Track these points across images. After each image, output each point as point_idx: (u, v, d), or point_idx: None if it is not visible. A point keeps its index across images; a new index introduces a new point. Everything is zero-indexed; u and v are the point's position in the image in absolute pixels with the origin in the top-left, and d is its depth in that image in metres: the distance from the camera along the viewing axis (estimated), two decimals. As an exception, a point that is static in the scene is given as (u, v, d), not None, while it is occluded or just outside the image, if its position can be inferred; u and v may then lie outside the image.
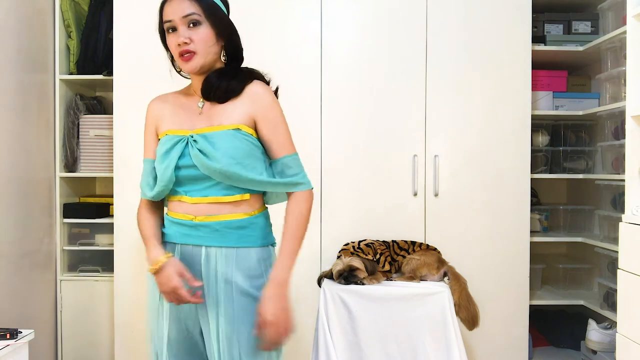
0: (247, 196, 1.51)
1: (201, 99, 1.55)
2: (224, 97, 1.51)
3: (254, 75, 1.56)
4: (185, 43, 1.47)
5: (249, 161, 1.48)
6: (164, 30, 1.53)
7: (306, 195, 1.55)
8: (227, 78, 1.51)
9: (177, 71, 1.62)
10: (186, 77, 1.64)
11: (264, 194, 1.60)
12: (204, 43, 1.48)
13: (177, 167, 1.49)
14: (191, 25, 1.47)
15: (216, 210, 1.49)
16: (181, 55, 1.48)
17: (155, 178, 1.55)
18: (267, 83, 1.58)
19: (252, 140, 1.50)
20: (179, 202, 1.53)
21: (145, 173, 1.59)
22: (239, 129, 1.48)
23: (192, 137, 1.48)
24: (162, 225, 1.60)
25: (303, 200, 1.54)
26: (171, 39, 1.50)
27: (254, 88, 1.52)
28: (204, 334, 1.53)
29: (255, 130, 1.52)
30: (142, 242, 1.58)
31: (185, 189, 1.51)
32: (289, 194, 1.55)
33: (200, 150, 1.45)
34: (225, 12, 1.57)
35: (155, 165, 1.55)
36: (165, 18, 1.51)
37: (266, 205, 1.62)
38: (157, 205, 1.62)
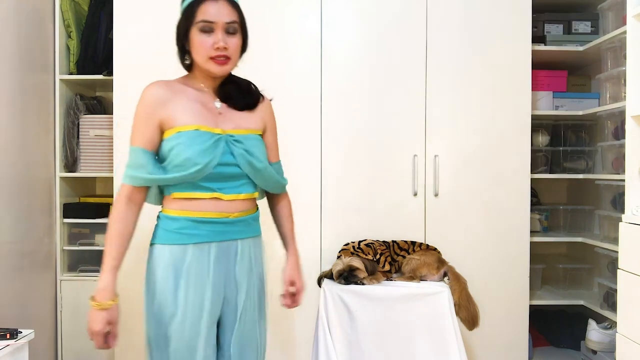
0: (257, 193, 1.70)
1: (217, 100, 1.63)
2: (243, 108, 1.65)
3: (259, 91, 1.73)
4: (225, 48, 1.54)
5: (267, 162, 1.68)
6: (189, 26, 1.55)
7: (289, 198, 1.83)
8: (246, 91, 1.68)
9: (184, 63, 1.64)
10: (186, 69, 1.65)
11: None
12: (236, 51, 1.59)
13: (217, 164, 1.55)
14: (229, 31, 1.56)
15: (246, 206, 1.64)
16: (214, 57, 1.54)
17: (155, 166, 1.54)
18: (270, 99, 1.77)
19: (264, 146, 1.69)
20: (213, 199, 1.57)
21: (140, 162, 1.54)
22: (260, 134, 1.67)
23: (231, 136, 1.57)
24: (132, 236, 1.57)
25: (289, 202, 1.82)
26: (204, 38, 1.54)
27: (265, 102, 1.72)
28: (223, 322, 1.63)
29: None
30: (111, 239, 1.53)
31: (220, 186, 1.57)
32: (275, 196, 1.79)
33: (245, 151, 1.58)
34: None
35: (187, 158, 1.51)
36: (205, 17, 1.53)
37: None
38: (138, 203, 1.58)
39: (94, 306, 1.49)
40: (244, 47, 1.63)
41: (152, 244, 1.61)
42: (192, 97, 1.59)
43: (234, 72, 1.68)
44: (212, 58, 1.54)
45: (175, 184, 1.56)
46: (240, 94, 1.65)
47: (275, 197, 1.79)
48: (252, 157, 1.59)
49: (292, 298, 1.78)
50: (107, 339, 1.51)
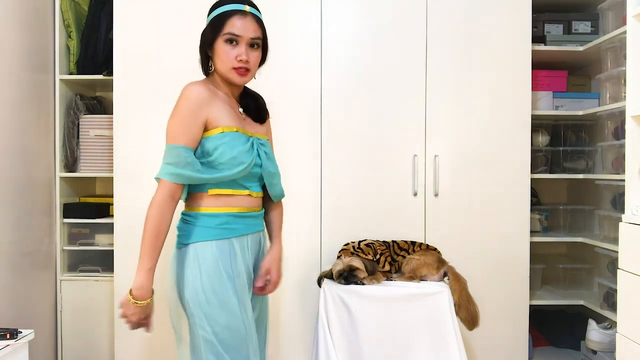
0: None
1: (239, 107, 1.77)
2: (258, 121, 1.81)
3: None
4: (247, 61, 1.66)
5: None
6: (216, 36, 1.65)
7: (282, 206, 1.95)
8: (261, 107, 1.83)
9: (206, 70, 1.75)
10: (205, 74, 1.76)
11: None
12: (255, 65, 1.72)
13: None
14: (253, 46, 1.68)
15: (261, 202, 1.81)
16: (236, 68, 1.66)
17: (198, 164, 1.61)
18: None
19: None
20: (247, 196, 1.72)
21: (186, 160, 1.58)
22: (268, 141, 1.82)
23: (258, 140, 1.73)
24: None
25: (282, 209, 1.94)
26: (229, 49, 1.65)
27: (268, 117, 1.89)
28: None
29: None
30: (152, 239, 1.57)
31: (250, 185, 1.72)
32: (272, 206, 1.90)
33: (266, 154, 1.74)
34: None
35: (234, 156, 1.62)
36: (232, 31, 1.64)
37: None
38: (178, 201, 1.65)
39: (131, 301, 1.58)
40: (262, 60, 1.76)
41: (186, 244, 1.64)
42: (225, 100, 1.70)
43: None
44: (234, 68, 1.66)
45: (216, 182, 1.64)
46: (256, 108, 1.80)
47: (272, 203, 1.89)
48: (270, 160, 1.76)
49: (263, 286, 1.82)
50: (141, 324, 1.63)
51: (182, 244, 1.65)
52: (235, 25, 1.64)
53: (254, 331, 1.67)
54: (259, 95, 1.86)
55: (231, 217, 1.67)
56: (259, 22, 1.70)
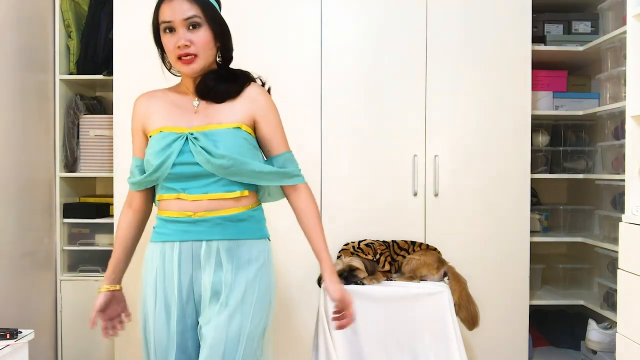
0: (246, 192, 1.56)
1: (196, 98, 1.57)
2: (223, 99, 1.55)
3: (249, 77, 1.61)
4: (186, 46, 1.49)
5: (249, 157, 1.53)
6: (159, 28, 1.53)
7: (309, 191, 1.64)
8: (225, 80, 1.56)
9: (167, 68, 1.63)
10: (176, 75, 1.64)
11: (257, 191, 1.63)
12: (204, 46, 1.51)
13: (175, 164, 1.50)
14: (191, 27, 1.49)
15: (218, 205, 1.52)
16: (180, 57, 1.50)
17: (142, 173, 1.59)
18: (262, 84, 1.64)
19: (250, 139, 1.56)
20: (177, 199, 1.53)
21: (131, 169, 1.64)
22: (239, 127, 1.53)
23: (191, 134, 1.49)
24: (138, 235, 1.68)
25: (311, 198, 1.63)
26: (168, 39, 1.51)
27: (253, 90, 1.58)
28: (200, 327, 1.53)
29: (254, 129, 1.58)
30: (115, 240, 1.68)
31: (183, 186, 1.52)
32: (289, 192, 1.62)
33: (203, 148, 1.47)
34: (220, 13, 1.58)
35: (147, 160, 1.55)
36: (163, 18, 1.51)
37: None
38: (137, 209, 1.65)
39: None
40: (222, 41, 1.56)
41: None
42: (170, 100, 1.59)
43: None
44: (179, 58, 1.50)
45: (148, 185, 1.60)
46: (216, 84, 1.55)
47: (285, 189, 1.63)
48: (210, 154, 1.47)
49: (342, 316, 1.60)
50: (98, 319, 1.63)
51: None
52: (165, 12, 1.49)
53: (168, 345, 1.53)
54: (230, 69, 1.61)
55: (161, 221, 1.57)
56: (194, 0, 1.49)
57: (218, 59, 1.60)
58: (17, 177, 2.47)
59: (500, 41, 2.64)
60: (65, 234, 2.87)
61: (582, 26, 2.96)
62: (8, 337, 1.93)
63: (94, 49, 2.89)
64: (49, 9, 2.77)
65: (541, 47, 2.85)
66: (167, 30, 1.51)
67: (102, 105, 3.13)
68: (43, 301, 2.71)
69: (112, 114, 2.65)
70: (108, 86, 2.87)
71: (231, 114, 1.54)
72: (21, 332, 1.99)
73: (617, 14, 2.76)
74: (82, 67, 2.88)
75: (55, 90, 2.81)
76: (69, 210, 2.85)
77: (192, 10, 1.48)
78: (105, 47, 2.87)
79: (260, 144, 1.61)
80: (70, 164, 2.88)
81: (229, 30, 1.58)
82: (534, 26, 2.70)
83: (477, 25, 2.64)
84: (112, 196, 2.68)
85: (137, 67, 2.59)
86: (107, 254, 2.77)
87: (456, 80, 2.64)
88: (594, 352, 2.67)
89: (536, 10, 2.73)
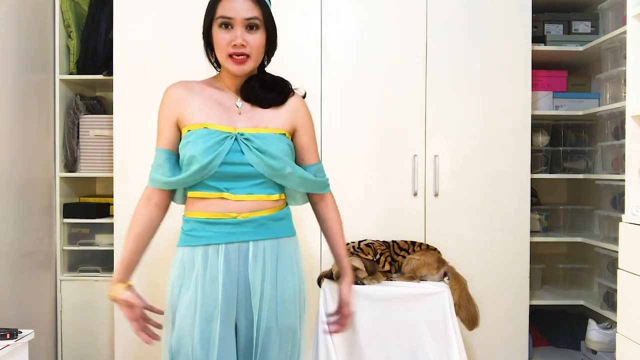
0: (283, 196, 1.62)
1: (238, 99, 1.58)
2: (268, 105, 1.58)
3: (291, 87, 1.64)
4: (243, 45, 1.49)
5: (292, 163, 1.58)
6: (212, 21, 1.51)
7: (334, 201, 1.74)
8: (271, 88, 1.59)
9: (212, 62, 1.61)
10: (216, 69, 1.62)
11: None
12: (258, 49, 1.53)
13: (222, 163, 1.49)
14: (249, 28, 1.50)
15: (260, 206, 1.55)
16: (232, 55, 1.50)
17: (172, 167, 1.54)
18: (304, 96, 1.67)
19: (292, 146, 1.61)
20: (220, 199, 1.51)
21: (158, 162, 1.55)
22: (284, 134, 1.57)
23: (241, 134, 1.50)
24: (154, 233, 1.59)
25: (336, 207, 1.74)
26: (223, 35, 1.50)
27: (296, 101, 1.63)
28: (238, 326, 1.53)
29: (292, 137, 1.62)
30: (125, 237, 1.58)
31: (227, 186, 1.51)
32: (316, 200, 1.71)
33: (257, 149, 1.50)
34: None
35: (192, 155, 1.48)
36: (222, 13, 1.49)
37: None
38: (159, 205, 1.58)
39: (111, 297, 1.58)
40: (272, 46, 1.58)
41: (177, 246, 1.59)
42: (209, 96, 1.56)
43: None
44: (230, 56, 1.50)
45: (189, 185, 1.53)
46: (262, 92, 1.57)
47: (313, 197, 1.70)
48: (266, 156, 1.49)
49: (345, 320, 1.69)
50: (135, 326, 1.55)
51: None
52: (226, 7, 1.48)
53: (210, 351, 1.49)
54: (273, 76, 1.63)
55: (198, 223, 1.52)
56: (256, 1, 1.51)
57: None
58: (17, 177, 2.47)
59: (500, 41, 2.64)
60: (65, 234, 2.87)
61: (582, 26, 2.97)
62: (8, 337, 1.94)
63: (94, 49, 2.89)
64: (49, 9, 2.77)
65: (541, 47, 2.85)
66: (224, 26, 1.50)
67: (102, 105, 3.13)
68: (43, 301, 2.71)
69: (112, 114, 2.65)
70: (108, 86, 2.87)
71: (276, 120, 1.57)
72: (21, 332, 1.99)
73: (617, 14, 2.76)
74: (82, 67, 2.89)
75: (55, 90, 2.81)
76: (69, 210, 2.85)
77: (253, 11, 1.50)
78: (105, 47, 2.87)
79: (296, 153, 1.64)
80: (70, 164, 2.88)
81: (277, 37, 1.59)
82: (534, 26, 2.71)
83: (477, 25, 2.64)
84: (112, 196, 2.68)
85: (137, 67, 2.59)
86: (107, 254, 2.80)
87: (456, 80, 2.64)
88: (594, 352, 2.67)
89: (536, 10, 2.73)
